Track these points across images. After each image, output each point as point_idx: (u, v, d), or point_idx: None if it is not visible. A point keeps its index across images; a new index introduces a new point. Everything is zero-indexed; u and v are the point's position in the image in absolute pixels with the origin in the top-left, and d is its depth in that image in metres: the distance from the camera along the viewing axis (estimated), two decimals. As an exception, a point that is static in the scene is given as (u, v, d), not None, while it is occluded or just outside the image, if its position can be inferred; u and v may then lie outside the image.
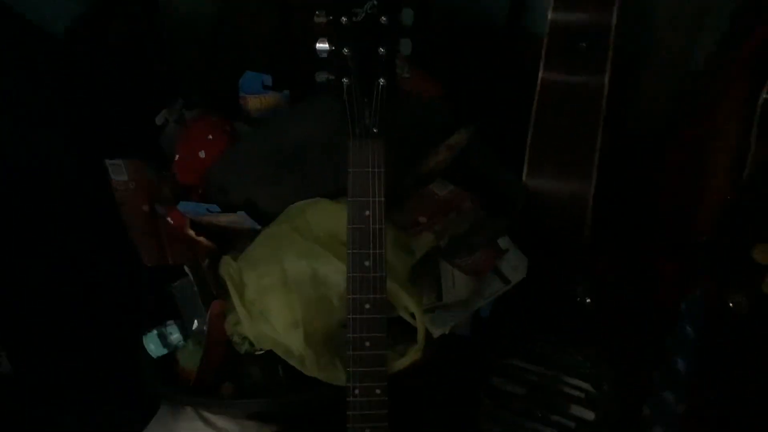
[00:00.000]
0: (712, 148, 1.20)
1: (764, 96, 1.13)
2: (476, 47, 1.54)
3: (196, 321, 1.11)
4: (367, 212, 0.86)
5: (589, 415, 1.12)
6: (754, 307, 0.92)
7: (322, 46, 0.82)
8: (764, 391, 1.05)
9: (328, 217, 1.03)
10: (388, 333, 0.87)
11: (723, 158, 1.15)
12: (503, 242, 1.11)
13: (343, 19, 0.81)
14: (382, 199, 0.85)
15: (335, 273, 0.99)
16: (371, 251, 0.86)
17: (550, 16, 1.23)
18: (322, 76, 0.84)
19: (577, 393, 1.14)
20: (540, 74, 1.24)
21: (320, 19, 0.82)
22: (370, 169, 0.85)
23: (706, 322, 1.09)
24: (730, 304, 0.95)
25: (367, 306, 0.87)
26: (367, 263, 0.86)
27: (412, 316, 1.00)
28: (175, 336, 1.09)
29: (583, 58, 1.21)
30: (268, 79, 1.28)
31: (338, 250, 0.99)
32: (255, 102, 1.28)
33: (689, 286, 1.13)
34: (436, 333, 1.03)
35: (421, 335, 0.99)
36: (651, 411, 1.16)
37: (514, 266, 1.09)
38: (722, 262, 1.01)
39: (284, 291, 1.00)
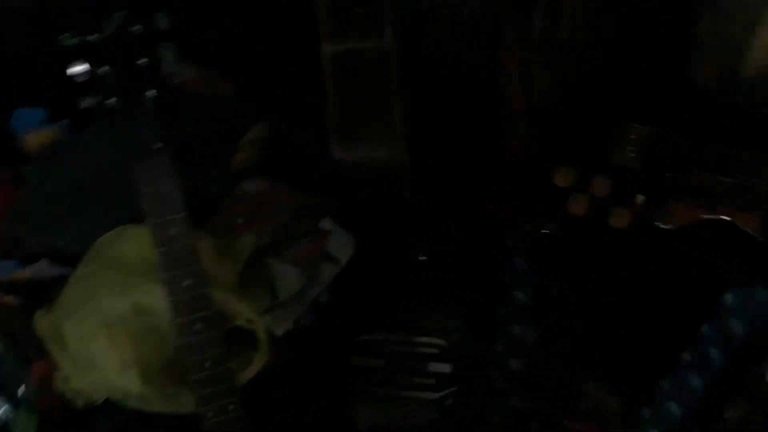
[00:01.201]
0: (506, 83, 1.24)
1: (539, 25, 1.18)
2: (264, 32, 1.50)
3: (23, 386, 1.03)
4: (172, 231, 0.81)
5: (446, 368, 1.14)
6: (566, 230, 0.96)
7: (77, 69, 0.76)
8: (606, 310, 1.12)
9: (138, 243, 0.97)
10: (229, 345, 0.84)
11: (516, 94, 1.20)
12: (325, 224, 1.10)
13: (92, 37, 0.75)
14: (184, 213, 0.81)
15: (158, 300, 0.94)
16: (187, 270, 0.82)
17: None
18: (86, 102, 0.78)
19: (431, 350, 1.15)
20: (324, 47, 1.23)
21: (69, 41, 0.76)
22: (163, 187, 0.81)
23: (533, 252, 1.14)
24: (546, 231, 1.00)
25: (198, 326, 0.83)
26: (186, 283, 0.82)
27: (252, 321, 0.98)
28: (1, 410, 1.01)
29: (361, 23, 1.21)
30: (41, 113, 1.19)
31: (156, 276, 0.94)
32: (34, 139, 1.19)
33: (515, 222, 1.17)
34: (280, 331, 1.01)
35: (262, 339, 0.97)
36: (504, 347, 1.20)
37: (341, 245, 1.08)
38: (530, 192, 1.05)
39: (108, 333, 0.94)
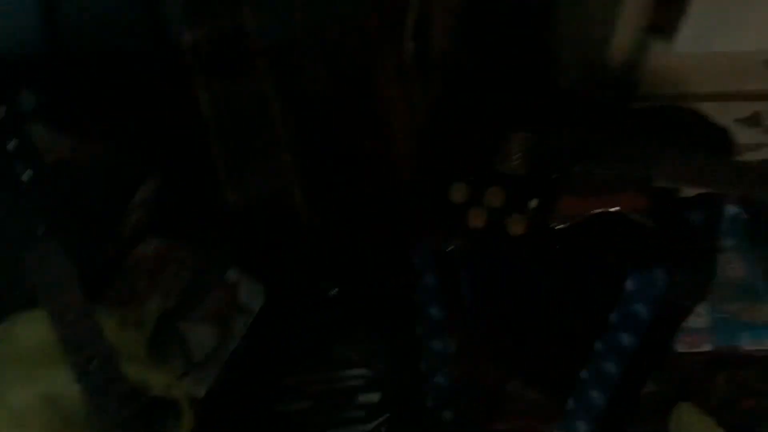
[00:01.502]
0: (386, 106, 1.26)
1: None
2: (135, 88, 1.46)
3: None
4: (70, 314, 0.78)
5: (375, 397, 1.14)
6: (469, 243, 0.98)
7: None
8: (519, 312, 1.15)
9: (36, 329, 0.92)
10: (150, 417, 0.82)
11: (398, 116, 1.22)
12: (232, 274, 1.08)
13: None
14: (80, 293, 0.78)
15: (67, 387, 0.89)
16: (93, 349, 0.79)
17: (186, 36, 1.20)
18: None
19: (357, 382, 1.15)
20: (199, 93, 1.21)
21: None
22: (54, 270, 0.77)
23: (441, 268, 1.16)
24: (449, 249, 1.02)
25: (112, 405, 0.80)
26: (93, 364, 0.79)
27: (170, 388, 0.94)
28: None
29: (233, 63, 1.20)
30: None
31: (61, 361, 0.89)
32: None
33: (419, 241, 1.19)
34: (201, 393, 0.99)
35: (183, 405, 0.93)
36: (427, 364, 1.21)
37: (252, 293, 1.07)
38: (429, 211, 1.06)
39: (18, 428, 0.89)
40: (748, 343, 1.38)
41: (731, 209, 1.35)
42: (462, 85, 1.13)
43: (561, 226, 0.94)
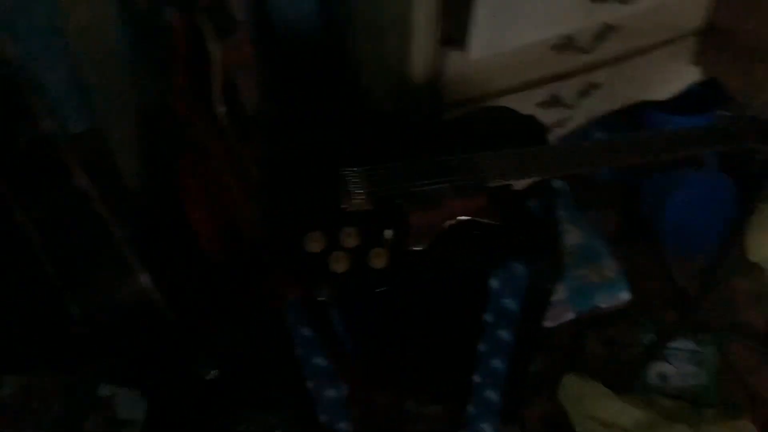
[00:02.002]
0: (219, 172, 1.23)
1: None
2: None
3: None
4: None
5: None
6: (338, 289, 0.98)
7: None
8: (404, 337, 1.17)
9: None
10: None
11: (233, 181, 1.20)
12: (105, 390, 1.01)
13: None
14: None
15: None
16: None
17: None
18: None
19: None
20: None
21: None
22: None
23: (312, 318, 1.15)
24: (321, 299, 1.01)
25: None
26: None
27: None
28: None
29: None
30: None
31: None
32: None
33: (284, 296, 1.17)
34: None
35: None
36: (325, 414, 1.20)
37: (131, 404, 1.01)
38: (290, 267, 1.05)
39: None
40: (604, 302, 1.49)
41: (555, 183, 1.45)
42: (285, 136, 1.14)
43: (420, 247, 0.97)
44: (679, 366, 1.41)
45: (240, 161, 1.16)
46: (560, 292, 1.44)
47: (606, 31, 1.27)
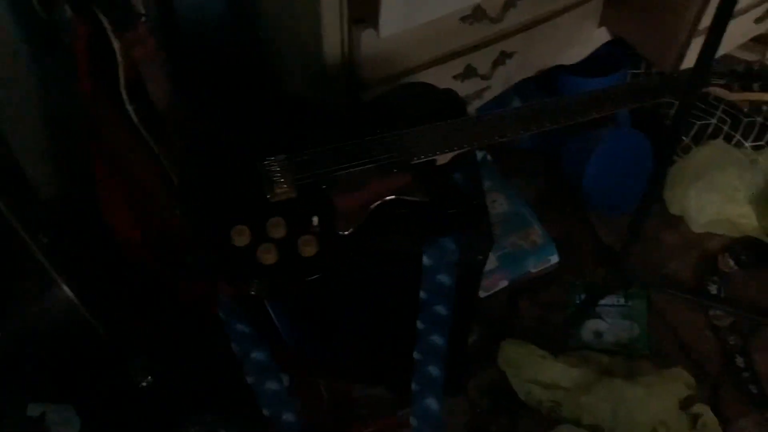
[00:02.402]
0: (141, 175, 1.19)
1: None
2: None
3: None
4: None
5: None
6: (271, 281, 0.97)
7: None
8: (342, 322, 1.16)
9: None
10: None
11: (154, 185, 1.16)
12: (35, 409, 0.97)
13: None
14: None
15: None
16: None
17: None
18: None
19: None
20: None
21: None
22: None
23: (246, 313, 1.13)
24: (252, 293, 0.99)
25: None
26: None
27: None
28: None
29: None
30: None
31: None
32: None
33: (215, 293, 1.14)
34: None
35: None
36: (267, 408, 1.18)
37: (64, 419, 0.97)
38: (219, 262, 1.03)
39: None
40: (534, 266, 1.51)
41: (478, 155, 1.46)
42: (201, 130, 1.11)
43: (348, 231, 0.96)
44: (611, 321, 1.45)
45: (158, 160, 1.12)
46: (492, 262, 1.45)
47: (514, -2, 1.27)
